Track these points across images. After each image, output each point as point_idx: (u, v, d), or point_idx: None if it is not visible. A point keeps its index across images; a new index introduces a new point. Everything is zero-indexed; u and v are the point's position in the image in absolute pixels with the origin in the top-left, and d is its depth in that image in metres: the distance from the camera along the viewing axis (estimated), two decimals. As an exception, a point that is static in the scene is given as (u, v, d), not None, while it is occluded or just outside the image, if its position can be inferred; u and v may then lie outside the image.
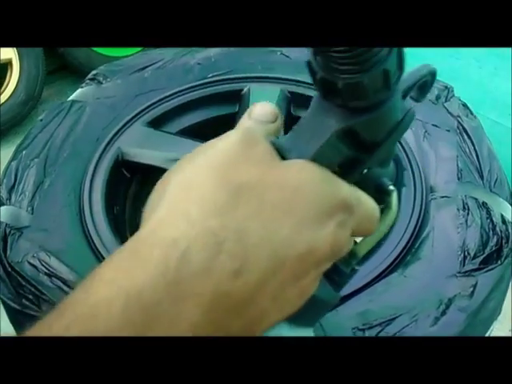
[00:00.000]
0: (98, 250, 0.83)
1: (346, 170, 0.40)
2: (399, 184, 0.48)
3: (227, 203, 0.33)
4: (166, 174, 0.38)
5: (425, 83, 0.45)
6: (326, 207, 0.35)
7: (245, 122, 0.41)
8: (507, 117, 1.67)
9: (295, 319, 0.41)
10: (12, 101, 2.41)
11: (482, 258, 0.76)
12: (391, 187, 0.44)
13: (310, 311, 0.41)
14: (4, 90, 2.42)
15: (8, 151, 2.42)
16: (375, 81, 0.35)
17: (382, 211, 0.43)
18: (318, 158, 0.37)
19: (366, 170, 0.41)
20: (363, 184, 0.41)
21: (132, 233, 0.95)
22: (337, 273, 0.44)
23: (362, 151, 0.40)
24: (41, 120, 1.01)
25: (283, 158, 0.37)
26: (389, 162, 0.46)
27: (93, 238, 0.84)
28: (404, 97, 0.42)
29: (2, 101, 2.40)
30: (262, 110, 0.41)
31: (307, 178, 0.35)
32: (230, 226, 0.32)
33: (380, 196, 0.44)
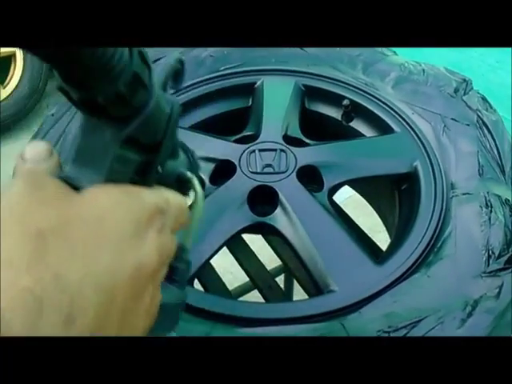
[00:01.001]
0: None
1: (143, 176, 0.41)
2: (194, 167, 0.52)
3: (34, 253, 0.30)
4: None
5: (177, 72, 0.47)
6: (139, 221, 0.35)
7: (21, 167, 0.37)
8: (507, 110, 1.64)
9: (155, 329, 0.41)
10: (16, 94, 2.38)
11: (506, 257, 0.74)
12: (189, 174, 0.48)
13: (165, 318, 0.44)
14: (8, 84, 2.40)
15: (12, 146, 2.40)
16: (130, 85, 0.35)
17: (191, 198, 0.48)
18: (110, 177, 0.37)
19: (160, 169, 0.43)
20: (163, 181, 0.44)
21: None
22: (174, 272, 0.46)
23: (148, 152, 0.41)
24: (52, 115, 0.99)
25: (76, 188, 0.35)
26: (177, 152, 0.48)
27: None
28: (164, 90, 0.44)
29: (6, 94, 2.37)
30: (33, 150, 0.37)
31: (107, 202, 0.34)
32: (44, 277, 0.29)
33: (182, 185, 0.47)
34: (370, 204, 1.16)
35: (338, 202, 1.02)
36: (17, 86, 2.39)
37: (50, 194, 0.33)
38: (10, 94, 2.37)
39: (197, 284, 1.03)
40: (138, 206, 0.36)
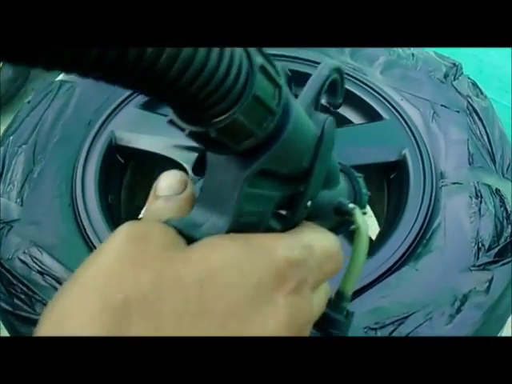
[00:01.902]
0: (92, 244, 0.79)
1: (289, 212, 0.34)
2: (359, 196, 0.44)
3: (114, 328, 0.25)
4: (49, 302, 0.28)
5: (334, 83, 0.39)
6: (260, 283, 0.27)
7: (151, 204, 0.33)
8: (506, 95, 1.62)
9: None
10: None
11: (496, 249, 0.73)
12: (351, 205, 0.39)
13: None
14: (-11, 64, 2.34)
15: (-5, 129, 2.35)
16: (251, 112, 0.26)
17: (354, 233, 0.39)
18: (238, 222, 0.30)
19: (309, 202, 0.35)
20: (319, 215, 0.37)
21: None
22: (332, 325, 0.39)
23: (293, 184, 0.34)
24: (28, 102, 0.95)
25: (191, 239, 0.29)
26: (336, 180, 0.41)
27: (87, 230, 0.80)
28: (316, 108, 0.36)
29: (-13, 75, 2.31)
30: (165, 182, 0.34)
31: (218, 260, 0.27)
32: None
33: (343, 218, 0.40)
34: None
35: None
36: (0, 69, 2.33)
37: (152, 250, 0.27)
38: (-9, 76, 2.31)
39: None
40: (260, 263, 0.28)
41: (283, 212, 0.34)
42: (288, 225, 0.33)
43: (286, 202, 0.34)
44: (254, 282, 0.27)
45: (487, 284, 0.70)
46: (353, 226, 0.39)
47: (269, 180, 0.31)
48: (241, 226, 0.30)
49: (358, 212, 0.39)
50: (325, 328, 0.38)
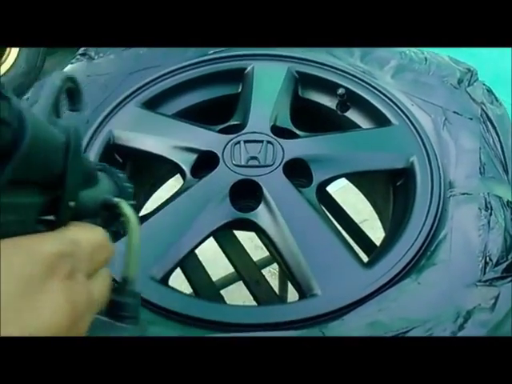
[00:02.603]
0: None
1: (54, 216, 0.35)
2: (123, 191, 0.47)
3: None
4: None
5: (71, 91, 0.42)
6: (31, 276, 0.29)
7: None
8: (508, 95, 1.56)
9: None
10: (13, 72, 2.33)
11: (505, 265, 0.69)
12: (116, 199, 0.43)
13: None
14: (5, 60, 2.35)
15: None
16: None
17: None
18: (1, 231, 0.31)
19: (72, 203, 0.36)
20: (87, 214, 0.40)
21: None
22: (121, 308, 0.42)
23: (50, 189, 0.35)
24: (27, 99, 0.93)
25: None
26: (94, 179, 0.43)
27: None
28: (58, 115, 0.39)
29: (3, 71, 2.32)
30: None
31: None
32: None
33: (113, 212, 0.43)
34: (366, 198, 1.11)
35: (340, 185, 0.96)
36: (14, 63, 2.34)
37: None
38: (7, 71, 2.32)
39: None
40: (29, 260, 0.30)
41: (51, 217, 0.35)
42: (56, 228, 0.35)
43: (49, 207, 0.35)
44: (25, 276, 0.29)
45: (493, 301, 0.65)
46: (122, 218, 0.43)
47: (24, 188, 0.32)
48: (4, 236, 0.30)
49: (123, 204, 0.43)
50: (115, 312, 0.41)
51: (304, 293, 0.72)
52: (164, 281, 0.74)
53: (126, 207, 0.43)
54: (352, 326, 0.66)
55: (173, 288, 0.75)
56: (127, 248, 0.43)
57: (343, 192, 1.21)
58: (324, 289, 0.71)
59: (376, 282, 0.70)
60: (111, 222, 0.45)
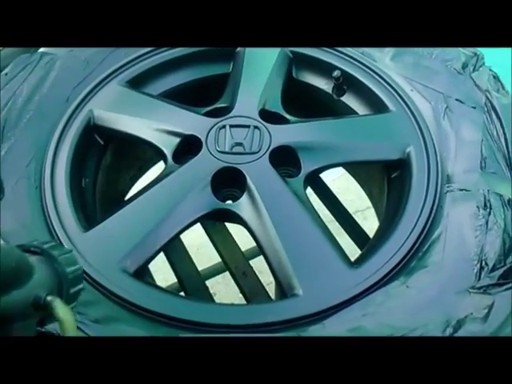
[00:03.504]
0: (55, 231, 0.72)
1: None
2: (64, 276, 0.43)
3: None
4: None
5: None
6: None
7: None
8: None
9: None
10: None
11: (502, 271, 0.64)
12: (49, 298, 0.39)
13: None
14: None
15: None
16: None
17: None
18: None
19: None
20: (16, 318, 0.37)
21: (103, 208, 0.84)
22: None
23: None
24: (6, 74, 0.88)
25: None
26: (26, 276, 0.39)
27: (51, 216, 0.73)
28: None
29: None
30: None
31: None
32: None
33: (46, 311, 0.39)
34: (362, 187, 1.05)
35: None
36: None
37: None
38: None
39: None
40: None
41: None
42: None
43: None
44: None
45: (486, 310, 0.61)
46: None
47: None
48: None
49: (57, 303, 0.39)
50: None
51: (285, 292, 0.68)
52: (138, 274, 0.70)
53: (59, 307, 0.39)
54: (333, 331, 0.62)
55: (147, 282, 0.71)
56: None
57: (348, 177, 1.16)
58: (306, 289, 0.66)
59: (362, 284, 0.66)
60: (49, 320, 0.42)
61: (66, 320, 0.38)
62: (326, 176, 1.00)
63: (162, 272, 1.14)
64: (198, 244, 1.29)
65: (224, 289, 1.48)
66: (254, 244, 1.22)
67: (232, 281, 0.96)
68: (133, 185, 1.05)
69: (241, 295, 0.95)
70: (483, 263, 0.65)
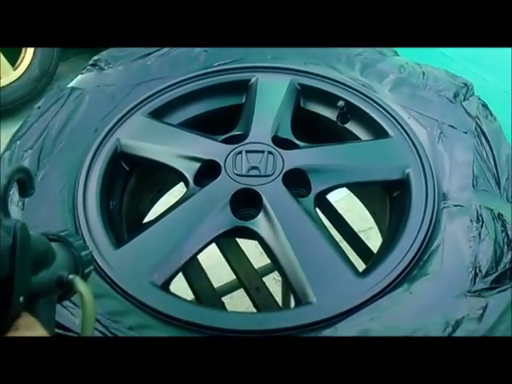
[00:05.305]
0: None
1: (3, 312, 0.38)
2: (81, 262, 0.50)
3: None
4: None
5: (24, 181, 0.45)
6: None
7: None
8: (507, 82, 1.55)
9: None
10: (26, 76, 2.37)
11: (494, 276, 0.71)
12: (70, 276, 0.46)
13: None
14: (19, 65, 2.39)
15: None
16: None
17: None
18: None
19: (21, 298, 0.39)
20: (44, 294, 0.43)
21: (128, 228, 0.91)
22: None
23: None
24: (38, 107, 0.97)
25: None
26: (50, 259, 0.45)
27: (84, 237, 0.80)
28: (5, 214, 0.41)
29: (17, 76, 2.37)
30: None
31: None
32: None
33: (67, 288, 0.46)
34: (366, 207, 1.13)
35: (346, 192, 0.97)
36: (27, 68, 2.38)
37: None
38: (20, 76, 2.36)
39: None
40: None
41: None
42: (8, 321, 0.38)
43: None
44: None
45: (481, 311, 0.68)
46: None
47: None
48: None
49: (77, 280, 0.46)
50: None
51: (300, 300, 0.75)
52: (165, 287, 0.77)
53: (80, 283, 0.46)
54: (344, 334, 0.69)
55: (173, 294, 0.78)
56: (82, 323, 0.47)
57: (349, 199, 1.23)
58: (319, 297, 0.73)
59: (369, 291, 0.72)
60: (68, 296, 0.49)
61: (86, 294, 0.46)
62: (328, 198, 1.07)
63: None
64: (207, 266, 1.36)
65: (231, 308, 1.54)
66: (263, 263, 1.30)
67: (239, 301, 1.02)
68: (152, 206, 1.12)
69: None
70: (477, 270, 0.72)
